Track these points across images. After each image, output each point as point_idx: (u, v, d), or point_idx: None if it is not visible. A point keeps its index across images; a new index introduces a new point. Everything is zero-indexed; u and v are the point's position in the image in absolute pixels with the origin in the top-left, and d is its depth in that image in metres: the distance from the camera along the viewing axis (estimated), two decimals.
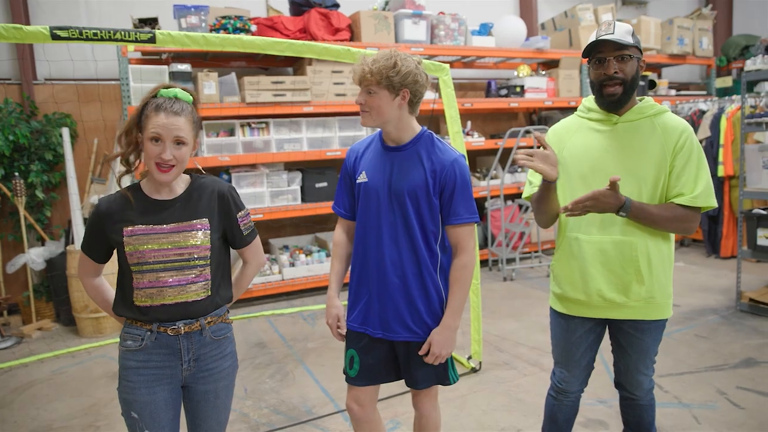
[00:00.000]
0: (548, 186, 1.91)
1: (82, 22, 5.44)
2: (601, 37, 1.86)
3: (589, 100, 2.04)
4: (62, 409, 3.29)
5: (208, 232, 1.71)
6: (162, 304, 1.66)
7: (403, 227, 1.92)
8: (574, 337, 2.05)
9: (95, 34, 2.62)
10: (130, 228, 1.64)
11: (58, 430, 3.05)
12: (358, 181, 2.00)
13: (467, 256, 1.93)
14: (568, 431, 2.21)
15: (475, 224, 1.97)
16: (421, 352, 1.92)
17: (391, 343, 2.00)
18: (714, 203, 1.87)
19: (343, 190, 2.09)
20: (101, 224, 1.67)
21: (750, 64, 4.15)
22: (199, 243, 1.69)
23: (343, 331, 2.05)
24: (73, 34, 2.57)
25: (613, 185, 1.77)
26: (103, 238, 1.68)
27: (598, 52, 1.89)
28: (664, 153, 1.88)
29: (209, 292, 1.72)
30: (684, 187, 1.87)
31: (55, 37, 2.54)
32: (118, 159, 1.69)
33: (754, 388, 3.11)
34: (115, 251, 1.73)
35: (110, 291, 1.81)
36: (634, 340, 1.99)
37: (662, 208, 1.86)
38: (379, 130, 2.01)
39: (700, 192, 1.85)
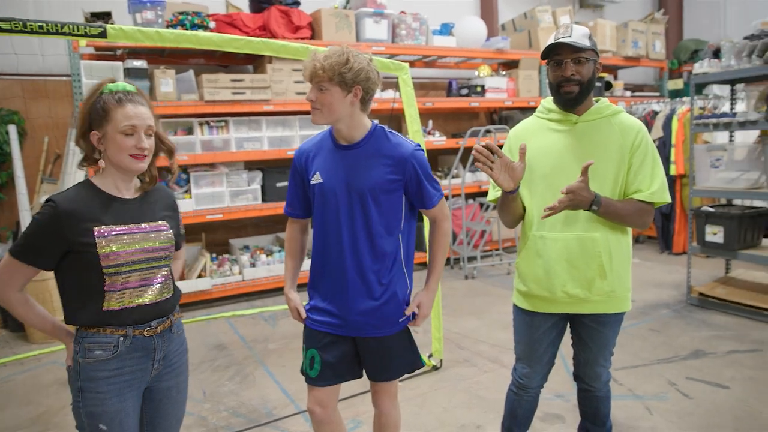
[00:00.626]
0: (507, 196, 1.95)
1: (30, 15, 5.22)
2: (558, 40, 1.90)
3: (548, 101, 2.08)
4: (9, 419, 3.15)
5: (170, 232, 1.73)
6: (138, 305, 1.62)
7: (364, 225, 1.91)
8: (538, 333, 2.08)
9: (41, 27, 2.51)
10: (103, 228, 1.56)
11: None
12: (312, 182, 1.96)
13: (447, 223, 2.05)
14: (528, 426, 2.25)
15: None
16: (408, 312, 1.98)
17: (353, 340, 2.00)
18: (668, 198, 1.95)
19: (294, 192, 2.07)
20: (59, 225, 1.53)
21: (697, 68, 4.31)
22: (167, 243, 1.71)
23: (302, 313, 2.05)
24: (16, 26, 2.46)
25: (585, 171, 1.80)
26: (60, 240, 1.54)
27: (556, 54, 1.93)
28: (623, 151, 1.94)
29: (173, 290, 1.75)
30: (642, 184, 1.93)
31: None
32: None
33: (701, 379, 3.23)
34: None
35: (38, 304, 1.65)
36: (595, 334, 2.04)
37: (625, 203, 1.92)
38: (328, 127, 1.99)
39: (656, 188, 1.93)
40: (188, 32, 2.89)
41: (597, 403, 2.17)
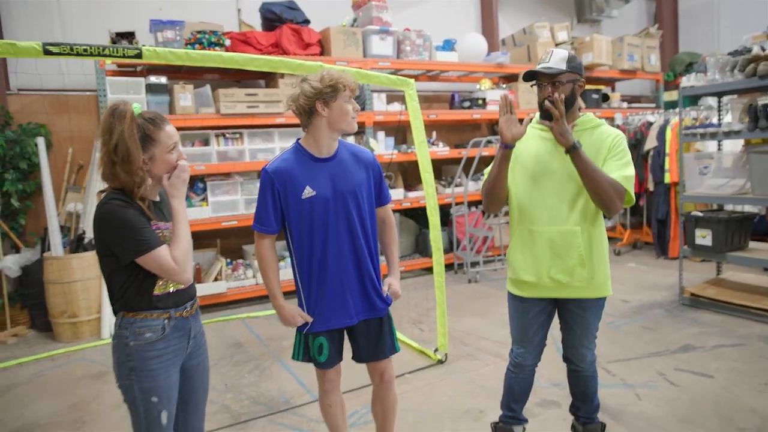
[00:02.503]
0: (504, 153, 2.19)
1: (56, 32, 5.55)
2: (537, 68, 2.20)
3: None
4: (47, 408, 3.41)
5: None
6: (177, 289, 1.87)
7: (359, 220, 2.22)
8: (528, 317, 2.35)
9: (85, 50, 2.79)
10: (157, 224, 1.82)
11: (45, 426, 3.18)
12: (304, 197, 2.14)
13: (394, 224, 2.46)
14: (524, 402, 2.51)
15: None
16: (384, 292, 2.31)
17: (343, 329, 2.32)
18: (633, 198, 2.19)
19: (270, 211, 2.17)
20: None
21: (685, 81, 4.58)
22: None
23: (308, 318, 2.25)
24: (65, 50, 2.74)
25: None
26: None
27: (538, 78, 2.22)
28: (600, 153, 2.20)
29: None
30: (614, 169, 2.16)
31: (47, 53, 2.70)
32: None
33: (688, 369, 3.47)
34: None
35: None
36: (578, 318, 2.31)
37: (604, 172, 2.14)
38: (290, 148, 2.25)
39: (627, 174, 2.15)
40: (214, 53, 3.18)
41: (585, 382, 2.43)
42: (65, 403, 3.46)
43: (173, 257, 1.77)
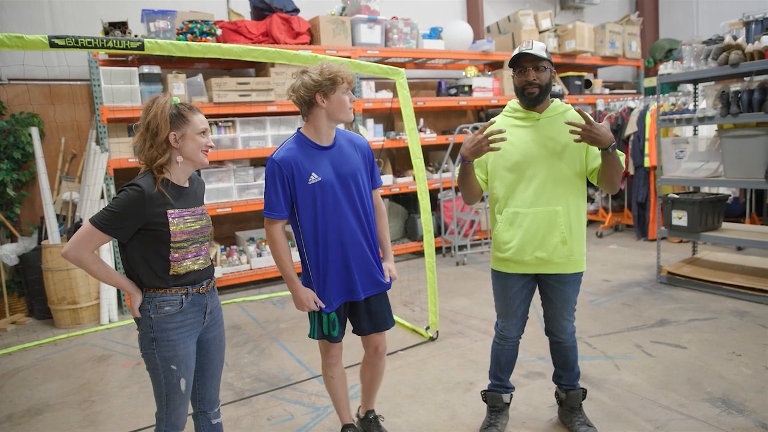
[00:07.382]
0: (464, 166, 2.40)
1: (46, 22, 5.57)
2: (529, 51, 2.34)
3: (514, 102, 2.53)
4: (54, 389, 3.54)
5: (208, 215, 2.14)
6: (194, 269, 2.02)
7: (359, 201, 2.38)
8: (512, 292, 2.53)
9: (89, 42, 2.90)
10: (174, 211, 1.94)
11: (56, 405, 3.31)
12: (310, 183, 2.28)
13: (385, 210, 2.60)
14: (510, 372, 2.70)
15: None
16: (386, 278, 2.50)
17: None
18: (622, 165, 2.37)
19: (281, 197, 2.29)
20: (143, 206, 1.87)
21: (662, 69, 4.77)
22: (209, 223, 2.13)
23: (321, 304, 2.39)
24: (70, 42, 2.84)
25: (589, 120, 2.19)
26: (140, 218, 1.88)
27: (521, 63, 2.37)
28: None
29: (211, 258, 2.13)
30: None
31: (53, 45, 2.80)
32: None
33: (663, 341, 3.70)
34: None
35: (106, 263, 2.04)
36: (558, 292, 2.49)
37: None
38: (292, 137, 2.38)
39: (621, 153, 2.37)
40: (214, 44, 3.29)
41: (566, 352, 2.62)
42: (72, 385, 3.59)
43: (72, 239, 1.91)
